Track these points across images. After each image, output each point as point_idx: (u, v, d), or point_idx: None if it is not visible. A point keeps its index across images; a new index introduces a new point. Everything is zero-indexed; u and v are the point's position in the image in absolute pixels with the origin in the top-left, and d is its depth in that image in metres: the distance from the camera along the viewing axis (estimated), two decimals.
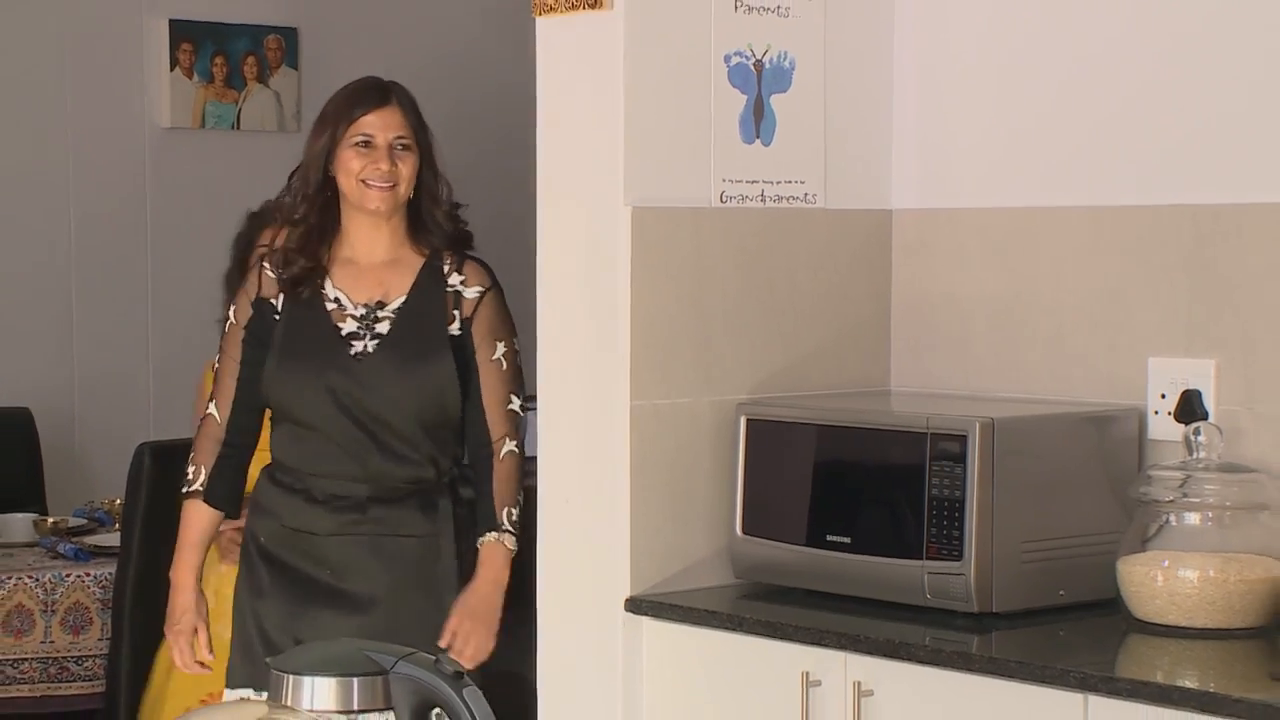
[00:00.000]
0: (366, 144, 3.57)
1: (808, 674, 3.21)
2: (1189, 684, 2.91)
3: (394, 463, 3.60)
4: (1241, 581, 3.17)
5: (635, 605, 3.50)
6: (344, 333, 3.61)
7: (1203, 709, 2.80)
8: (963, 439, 3.25)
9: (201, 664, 3.74)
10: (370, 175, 3.57)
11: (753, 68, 3.64)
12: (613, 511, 3.52)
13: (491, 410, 3.67)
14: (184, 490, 3.69)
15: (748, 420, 3.56)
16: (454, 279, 3.67)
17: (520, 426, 3.72)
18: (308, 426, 3.60)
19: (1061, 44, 3.63)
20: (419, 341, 3.61)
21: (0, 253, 5.41)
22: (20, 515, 4.99)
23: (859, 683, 3.16)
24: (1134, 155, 3.53)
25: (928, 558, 3.27)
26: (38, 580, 4.56)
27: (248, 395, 3.67)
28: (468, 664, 3.44)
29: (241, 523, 3.88)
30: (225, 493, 3.70)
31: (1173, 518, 3.26)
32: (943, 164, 3.81)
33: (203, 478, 3.67)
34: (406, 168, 3.58)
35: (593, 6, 3.51)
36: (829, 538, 3.42)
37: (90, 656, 4.58)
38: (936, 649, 3.12)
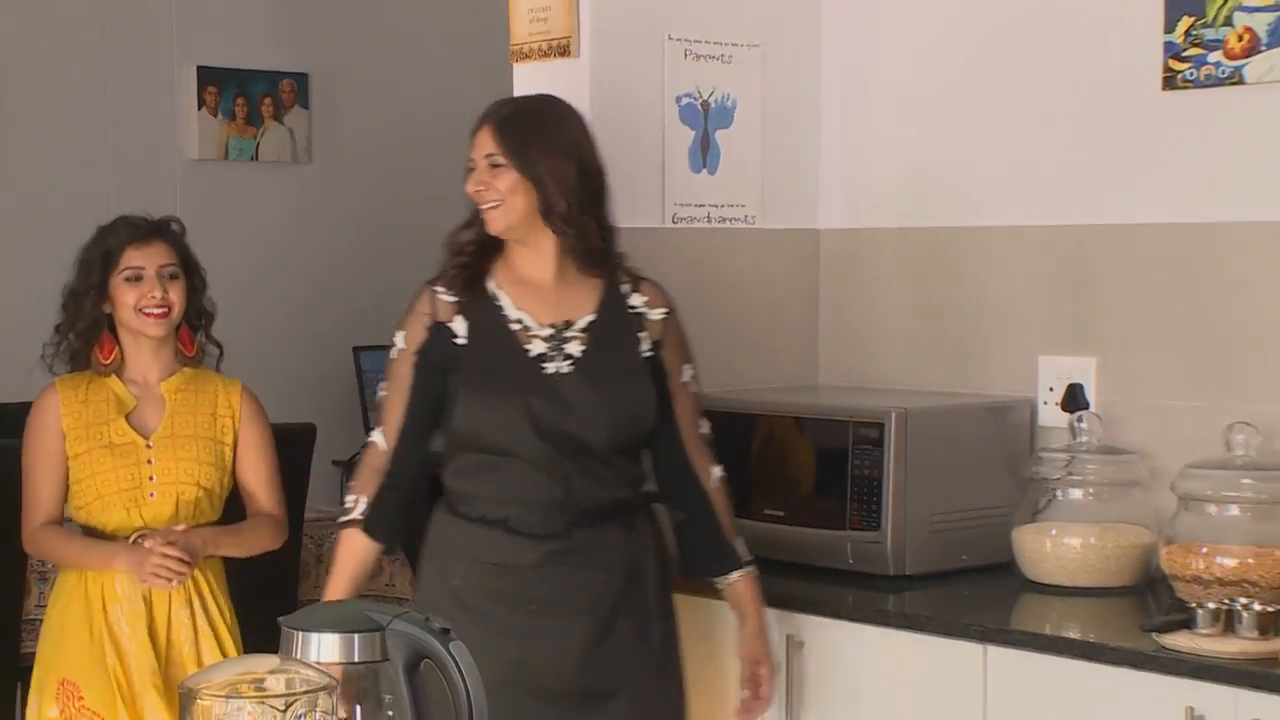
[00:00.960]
0: (472, 168, 2.96)
1: None
2: (1073, 635, 2.92)
3: (595, 485, 2.91)
4: (1117, 547, 3.18)
5: None
6: (532, 354, 2.93)
7: (1084, 656, 2.82)
8: (880, 427, 3.25)
9: None
10: (475, 199, 2.96)
11: (700, 107, 3.63)
12: None
13: (690, 438, 3.03)
14: (340, 520, 2.99)
15: None
16: (635, 299, 3.00)
17: (711, 450, 3.09)
18: (502, 453, 2.90)
19: (968, 88, 3.63)
20: (615, 362, 2.96)
21: (50, 269, 5.37)
22: None
23: (791, 635, 3.16)
24: (1028, 182, 3.54)
25: (850, 528, 3.27)
26: None
27: (417, 424, 2.96)
28: (768, 705, 3.04)
29: (167, 547, 3.28)
30: (387, 526, 2.96)
31: (1059, 493, 3.27)
32: (864, 190, 3.81)
33: (362, 507, 2.94)
34: (502, 183, 2.90)
35: (562, 55, 3.51)
36: (766, 511, 3.41)
37: None
38: (858, 607, 3.12)
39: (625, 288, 3.01)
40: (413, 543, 3.05)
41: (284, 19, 5.81)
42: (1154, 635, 2.79)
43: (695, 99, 3.63)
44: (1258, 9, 3.17)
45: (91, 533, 3.40)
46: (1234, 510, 3.05)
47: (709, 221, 3.66)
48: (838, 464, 3.31)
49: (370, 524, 2.94)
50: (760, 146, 3.73)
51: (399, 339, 2.98)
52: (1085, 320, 3.44)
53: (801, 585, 3.24)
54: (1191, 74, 3.26)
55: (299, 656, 1.72)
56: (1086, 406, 3.37)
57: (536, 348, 2.93)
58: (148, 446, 3.38)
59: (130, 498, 3.35)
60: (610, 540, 2.93)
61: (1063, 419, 3.37)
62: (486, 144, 2.93)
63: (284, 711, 1.51)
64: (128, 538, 3.35)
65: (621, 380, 2.95)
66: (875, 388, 3.68)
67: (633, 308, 3.00)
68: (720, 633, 3.17)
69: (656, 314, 3.01)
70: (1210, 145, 3.26)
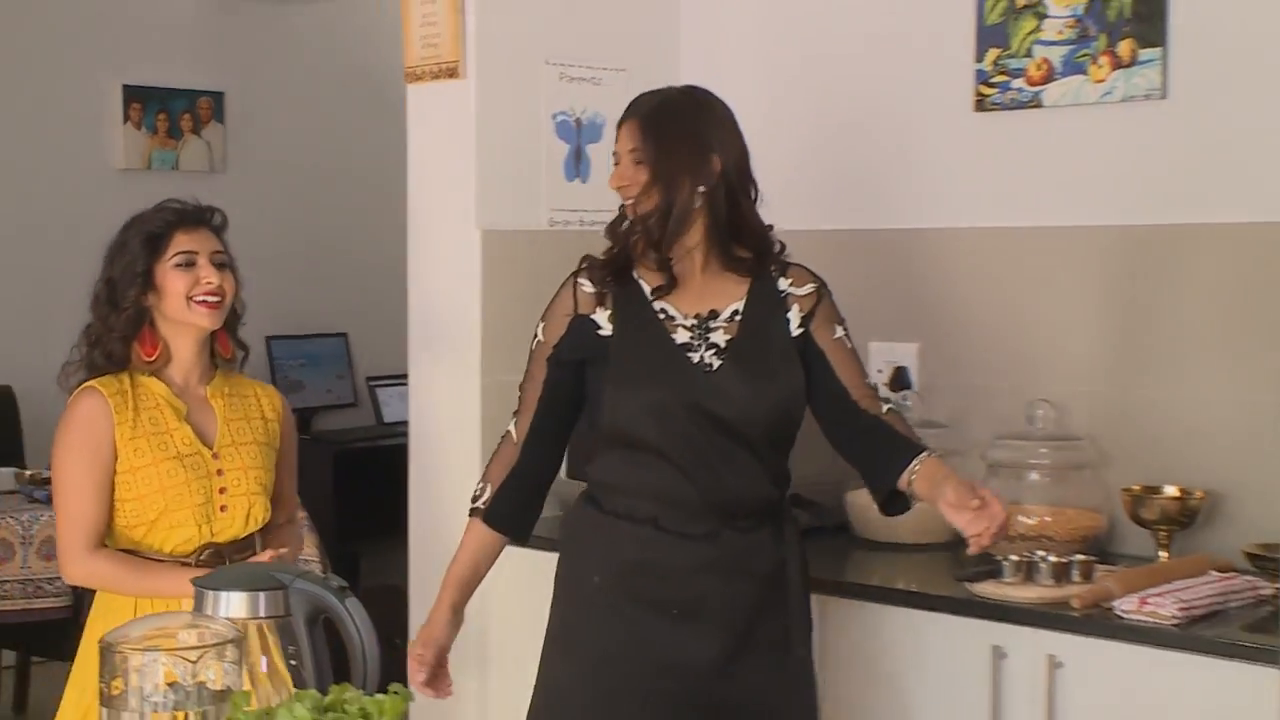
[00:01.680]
0: (617, 162, 2.62)
1: None
2: (897, 586, 2.95)
3: (745, 482, 2.50)
4: (935, 510, 3.20)
5: None
6: (677, 342, 2.53)
7: (907, 604, 2.85)
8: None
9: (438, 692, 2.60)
10: (619, 194, 2.62)
11: (574, 123, 3.63)
12: (467, 459, 3.49)
13: (854, 385, 2.59)
14: (470, 507, 2.64)
15: None
16: (782, 283, 2.60)
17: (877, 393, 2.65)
18: (650, 448, 2.49)
19: (808, 108, 3.66)
20: (764, 350, 2.54)
21: None
22: (5, 469, 4.85)
23: None
24: (860, 191, 3.56)
25: None
26: (18, 519, 4.42)
27: (548, 418, 2.59)
28: (998, 524, 2.42)
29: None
30: (509, 517, 2.61)
31: None
32: None
33: (486, 496, 2.60)
34: (643, 178, 2.55)
35: (451, 76, 3.48)
36: None
37: (59, 578, 4.37)
38: None
39: (774, 273, 2.61)
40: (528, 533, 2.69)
41: (203, 43, 5.72)
42: (966, 584, 2.82)
43: (569, 116, 3.62)
44: (1053, 43, 3.22)
45: (133, 554, 2.66)
46: (1034, 476, 3.11)
47: (582, 224, 3.64)
48: None
49: (491, 514, 2.60)
50: None
51: (539, 331, 2.62)
52: (909, 311, 3.46)
53: None
54: (998, 98, 3.30)
55: (210, 613, 1.70)
56: (910, 386, 3.41)
57: (681, 337, 2.53)
58: (214, 456, 2.69)
59: (204, 513, 2.66)
60: (759, 544, 2.53)
61: (891, 397, 3.40)
62: (630, 138, 2.57)
63: (195, 662, 1.49)
64: (189, 558, 2.65)
65: (769, 369, 2.53)
66: None
67: (780, 291, 2.59)
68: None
69: (805, 289, 2.61)
70: (1014, 160, 3.30)
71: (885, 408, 2.61)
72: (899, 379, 3.44)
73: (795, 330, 2.57)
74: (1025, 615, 2.69)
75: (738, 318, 2.54)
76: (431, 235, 3.58)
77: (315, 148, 5.84)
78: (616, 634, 2.50)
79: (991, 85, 3.31)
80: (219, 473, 2.69)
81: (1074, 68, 3.19)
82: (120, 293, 2.68)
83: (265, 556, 2.66)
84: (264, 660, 1.99)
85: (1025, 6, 3.26)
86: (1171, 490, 3.00)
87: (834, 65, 3.60)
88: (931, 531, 3.19)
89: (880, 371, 3.47)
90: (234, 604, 1.71)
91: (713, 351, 2.52)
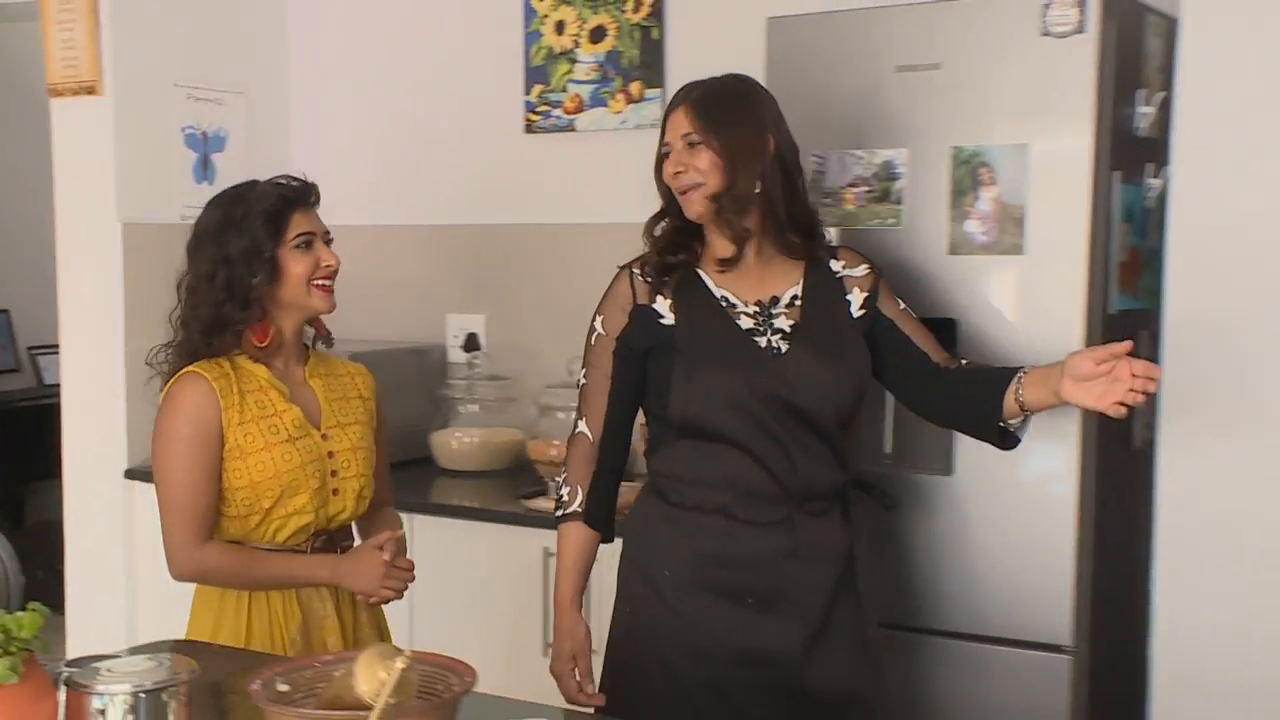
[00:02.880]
0: (667, 153, 2.09)
1: None
2: (471, 504, 3.01)
3: (816, 465, 2.04)
4: (500, 444, 3.32)
5: (131, 474, 3.40)
6: (743, 329, 2.07)
7: (478, 518, 2.93)
8: None
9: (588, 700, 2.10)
10: (672, 183, 2.09)
11: (200, 136, 3.57)
12: (114, 416, 3.42)
13: (932, 349, 2.15)
14: (560, 514, 2.17)
15: None
16: (835, 265, 2.14)
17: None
18: (723, 436, 2.03)
19: (396, 126, 3.70)
20: (829, 333, 2.09)
21: None
22: None
23: None
24: (440, 194, 3.61)
25: None
26: None
27: (620, 411, 2.13)
28: (1134, 374, 1.93)
29: (401, 559, 2.18)
30: (603, 515, 2.16)
31: (461, 407, 3.38)
32: (328, 197, 3.81)
33: (580, 498, 2.15)
34: (701, 162, 2.04)
35: (90, 93, 3.38)
36: None
37: None
38: None
39: (824, 255, 2.15)
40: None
41: None
42: (523, 501, 2.93)
43: (196, 130, 3.56)
44: (583, 82, 3.37)
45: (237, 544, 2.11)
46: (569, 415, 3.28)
47: None
48: None
49: (590, 515, 2.15)
50: (246, 164, 3.68)
51: (598, 324, 2.13)
52: (479, 288, 3.54)
53: None
54: (542, 123, 3.42)
55: None
56: (479, 348, 3.50)
57: (745, 324, 2.07)
58: (324, 437, 2.15)
59: (320, 498, 2.13)
60: (830, 528, 2.07)
61: (463, 357, 3.48)
62: (683, 124, 2.06)
63: None
64: (303, 545, 2.13)
65: (837, 351, 2.08)
66: (341, 339, 3.69)
67: (835, 274, 2.13)
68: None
69: (860, 270, 2.15)
70: (556, 172, 3.43)
71: (963, 361, 2.17)
72: (471, 342, 3.54)
73: (858, 311, 2.12)
74: None
75: (798, 302, 2.10)
76: (78, 226, 3.46)
77: None
78: (691, 626, 2.04)
79: (537, 113, 3.43)
80: (330, 455, 2.14)
81: (598, 101, 3.34)
82: (241, 279, 2.06)
83: (384, 538, 2.16)
84: None
85: (561, 53, 3.41)
86: None
87: (415, 90, 3.66)
88: (497, 461, 3.31)
89: (456, 337, 3.55)
90: None
91: (779, 336, 2.06)
